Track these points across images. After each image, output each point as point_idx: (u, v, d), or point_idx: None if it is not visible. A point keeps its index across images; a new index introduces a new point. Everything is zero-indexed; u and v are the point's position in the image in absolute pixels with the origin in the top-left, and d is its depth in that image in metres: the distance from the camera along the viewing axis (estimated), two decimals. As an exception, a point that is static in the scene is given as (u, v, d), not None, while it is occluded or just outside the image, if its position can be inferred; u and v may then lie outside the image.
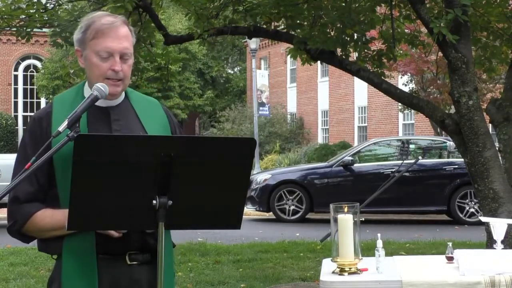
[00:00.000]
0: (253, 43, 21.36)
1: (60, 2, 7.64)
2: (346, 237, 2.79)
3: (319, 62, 8.75)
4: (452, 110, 7.28)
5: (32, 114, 32.17)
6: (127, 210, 2.12)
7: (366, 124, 27.31)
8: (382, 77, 6.62)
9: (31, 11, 7.12)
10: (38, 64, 34.54)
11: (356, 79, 19.15)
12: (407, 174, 12.10)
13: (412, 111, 19.67)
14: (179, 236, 9.39)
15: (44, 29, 8.80)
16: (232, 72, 40.51)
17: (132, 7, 6.39)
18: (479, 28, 6.77)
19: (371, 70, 6.77)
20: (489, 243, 5.26)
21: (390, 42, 6.83)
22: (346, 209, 2.82)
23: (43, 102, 34.23)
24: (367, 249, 6.11)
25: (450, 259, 3.02)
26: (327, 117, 29.88)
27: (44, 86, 30.68)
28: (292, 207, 13.30)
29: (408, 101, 6.33)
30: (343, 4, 6.74)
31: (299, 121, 30.95)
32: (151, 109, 2.53)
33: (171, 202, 2.09)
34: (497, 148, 5.74)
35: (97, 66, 2.37)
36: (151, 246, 2.37)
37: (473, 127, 5.54)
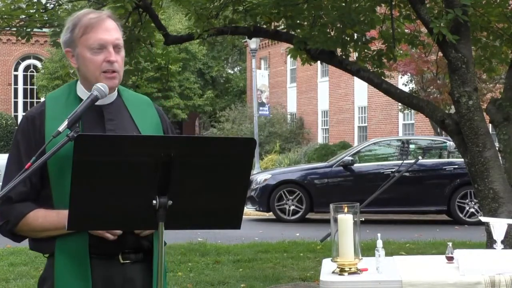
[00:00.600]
0: (253, 43, 21.34)
1: (60, 2, 7.64)
2: (346, 237, 2.79)
3: (319, 62, 8.75)
4: (452, 110, 7.27)
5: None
6: (127, 210, 2.12)
7: (366, 124, 27.30)
8: (382, 77, 6.62)
9: (31, 11, 7.12)
10: (38, 64, 34.55)
11: (356, 79, 19.15)
12: (407, 174, 12.08)
13: (412, 111, 19.66)
14: (179, 236, 9.44)
15: (44, 29, 8.79)
16: (232, 72, 40.50)
17: (132, 7, 6.40)
18: (479, 28, 6.77)
19: (371, 70, 6.77)
20: (489, 243, 5.26)
21: (390, 42, 6.83)
22: (346, 209, 2.82)
23: (43, 102, 34.25)
24: (367, 249, 6.09)
25: (450, 259, 3.02)
26: (327, 117, 29.87)
27: (44, 86, 30.64)
28: (292, 207, 13.29)
29: (408, 101, 6.33)
30: (343, 4, 6.74)
31: (299, 121, 30.93)
32: (144, 108, 2.53)
33: (171, 202, 2.09)
34: (497, 148, 5.74)
35: (91, 60, 2.36)
36: (144, 245, 2.37)
37: (473, 127, 5.54)
